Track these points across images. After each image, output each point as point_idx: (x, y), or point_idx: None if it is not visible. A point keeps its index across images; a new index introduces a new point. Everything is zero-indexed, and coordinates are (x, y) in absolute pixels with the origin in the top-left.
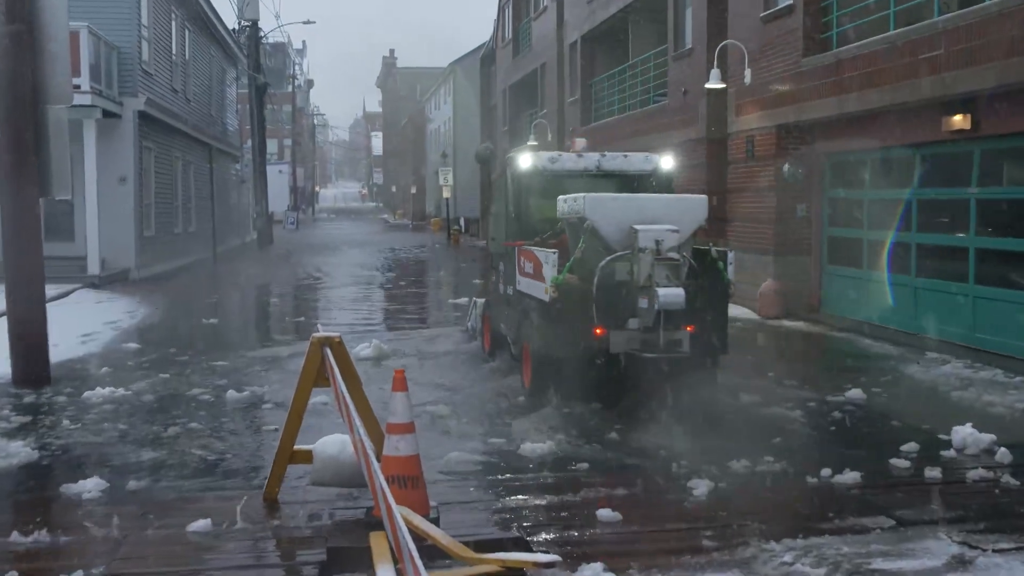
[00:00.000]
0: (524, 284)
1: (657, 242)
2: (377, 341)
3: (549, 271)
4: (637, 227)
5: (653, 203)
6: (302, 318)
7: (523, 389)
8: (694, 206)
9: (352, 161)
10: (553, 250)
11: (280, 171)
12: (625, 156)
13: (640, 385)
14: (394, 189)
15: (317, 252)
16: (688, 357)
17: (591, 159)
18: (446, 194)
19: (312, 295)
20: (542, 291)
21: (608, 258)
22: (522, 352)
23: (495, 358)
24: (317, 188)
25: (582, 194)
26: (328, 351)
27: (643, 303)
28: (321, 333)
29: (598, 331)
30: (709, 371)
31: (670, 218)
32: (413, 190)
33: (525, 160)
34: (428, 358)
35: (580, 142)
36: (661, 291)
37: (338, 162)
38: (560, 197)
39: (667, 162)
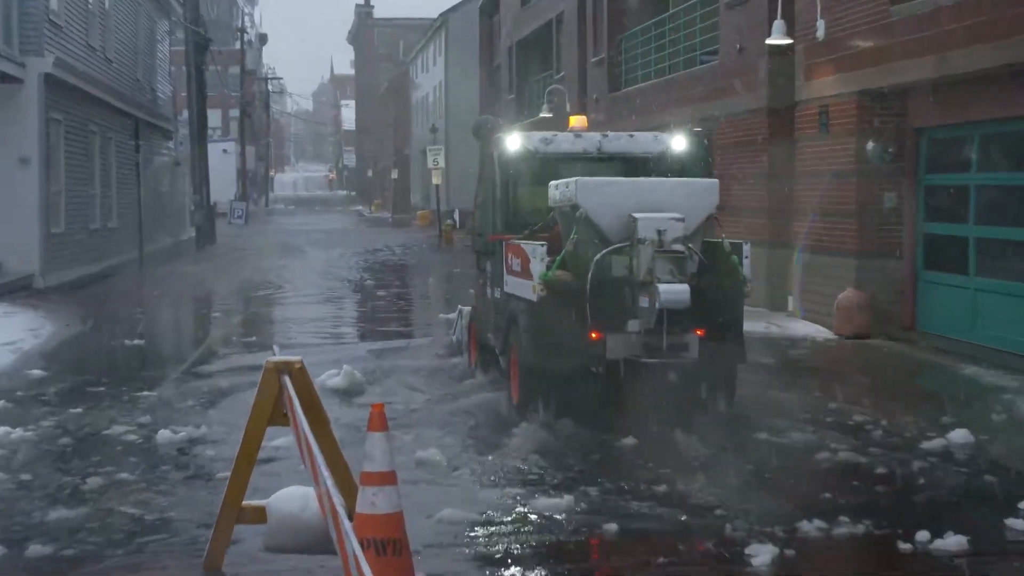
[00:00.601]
0: (511, 284)
1: (659, 232)
2: (349, 367)
3: (537, 266)
4: (636, 215)
5: (655, 188)
6: (253, 338)
7: (511, 406)
8: (703, 192)
9: (317, 138)
10: (541, 242)
11: (225, 150)
12: (631, 136)
13: (647, 400)
14: (370, 173)
15: (273, 254)
16: (697, 364)
17: (591, 140)
18: (436, 180)
19: (266, 309)
20: (530, 290)
21: (604, 251)
22: (509, 362)
23: (482, 372)
24: (272, 172)
25: (574, 178)
26: (287, 380)
27: (644, 301)
28: (278, 357)
29: (594, 335)
30: (726, 382)
31: (675, 205)
32: (394, 175)
33: (514, 142)
34: (411, 383)
35: (579, 120)
36: (663, 287)
37: (299, 139)
38: (552, 183)
39: (678, 143)
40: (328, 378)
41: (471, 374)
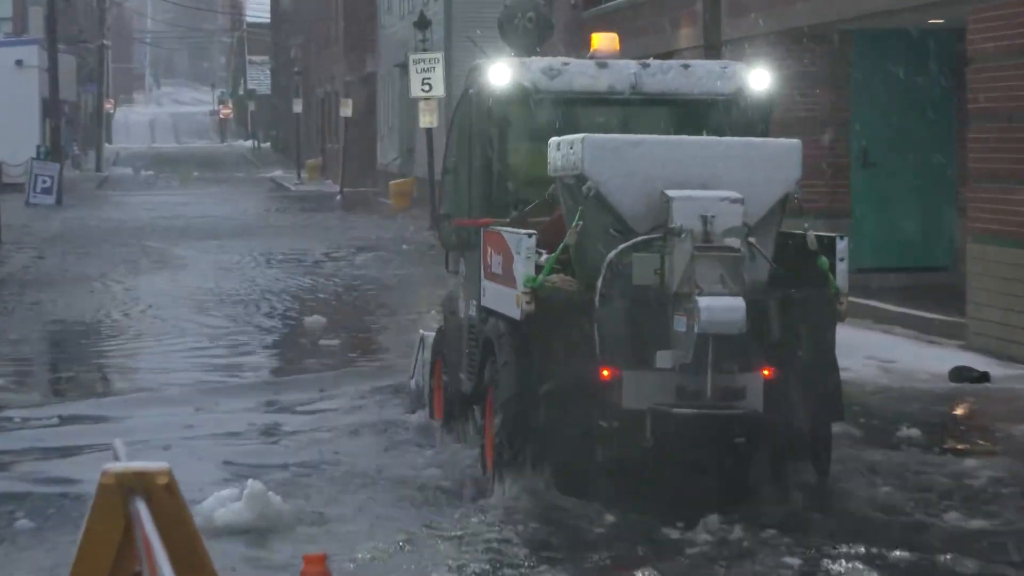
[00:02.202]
0: (490, 294)
1: (705, 219)
2: (257, 486)
3: (523, 267)
4: (672, 193)
5: (703, 151)
6: (74, 427)
7: (486, 482)
8: (778, 157)
9: (196, 48)
10: (529, 231)
11: (19, 62)
12: (685, 67)
13: (684, 474)
14: (299, 109)
15: (99, 273)
16: (760, 418)
17: (621, 72)
18: (427, 120)
19: (101, 364)
20: (512, 303)
21: (622, 246)
22: (484, 415)
23: (450, 432)
24: (110, 105)
25: (579, 136)
26: (141, 509)
27: (679, 323)
28: (124, 464)
29: (605, 372)
30: (810, 450)
31: (731, 178)
32: (346, 111)
33: (500, 73)
34: (349, 467)
35: (606, 39)
36: (706, 302)
37: (163, 43)
38: (552, 142)
39: (761, 78)
40: (220, 505)
41: (435, 438)
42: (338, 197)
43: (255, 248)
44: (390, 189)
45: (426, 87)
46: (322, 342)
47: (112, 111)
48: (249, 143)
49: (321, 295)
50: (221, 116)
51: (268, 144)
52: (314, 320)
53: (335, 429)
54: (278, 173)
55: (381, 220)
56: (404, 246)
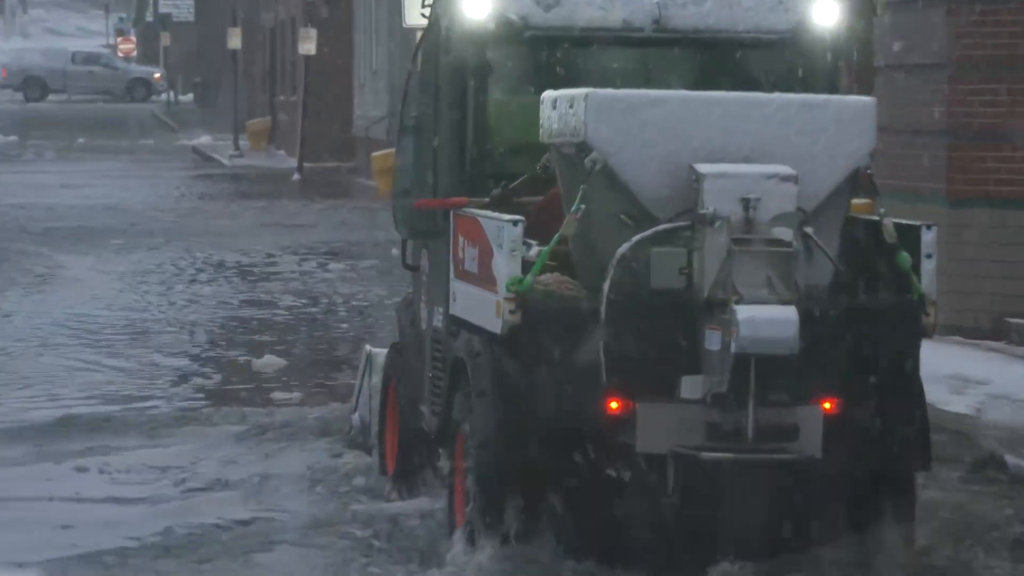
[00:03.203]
0: (462, 299)
1: (747, 203)
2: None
3: (505, 264)
4: (702, 169)
5: (746, 112)
6: None
7: (452, 542)
8: (845, 120)
9: None
10: (514, 217)
11: None
12: None
13: (723, 538)
14: (236, 46)
15: None
16: (819, 467)
17: (641, 1)
18: None
19: None
20: (491, 311)
21: (637, 237)
22: (452, 454)
23: (407, 489)
24: None
25: (582, 91)
26: None
27: (712, 340)
28: None
29: (613, 404)
30: (891, 505)
31: (783, 148)
32: (308, 47)
33: (478, 1)
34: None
35: None
36: (746, 313)
37: None
38: (546, 96)
39: (828, 10)
40: None
41: (384, 494)
42: (295, 176)
43: (175, 255)
44: (373, 164)
45: (429, 11)
46: (277, 395)
47: None
48: (163, 96)
49: (276, 324)
50: (120, 54)
51: (190, 97)
52: (267, 362)
53: (248, 481)
54: (205, 140)
55: (361, 211)
56: (395, 251)
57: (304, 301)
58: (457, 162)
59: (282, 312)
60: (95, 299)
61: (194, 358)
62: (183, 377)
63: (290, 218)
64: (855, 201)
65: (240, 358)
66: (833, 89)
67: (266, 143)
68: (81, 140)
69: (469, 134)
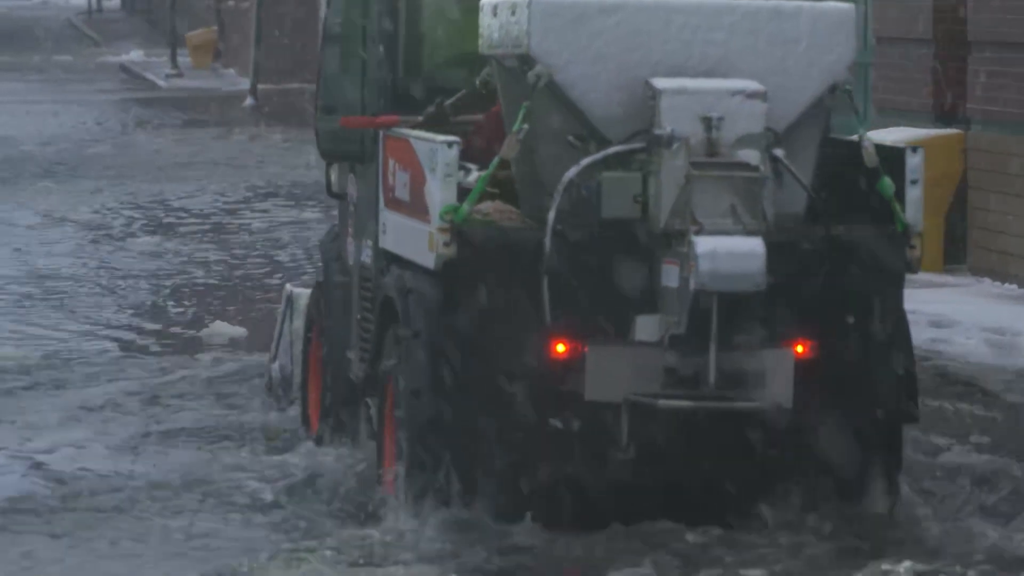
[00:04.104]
0: (392, 231)
1: (709, 122)
2: None
3: (439, 191)
4: (659, 84)
5: (709, 20)
6: None
7: (382, 505)
8: (821, 28)
9: None
10: (450, 138)
11: None
12: None
13: (679, 497)
14: None
15: None
16: (788, 418)
17: None
18: None
19: None
20: (424, 243)
21: (586, 160)
22: (382, 413)
23: (332, 443)
24: None
25: None
26: None
27: (669, 275)
28: None
29: (559, 347)
30: (871, 463)
31: (751, 61)
32: None
33: None
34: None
35: None
36: (707, 244)
37: None
38: (486, 2)
39: None
40: None
41: (310, 451)
42: (248, 101)
43: (103, 198)
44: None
45: None
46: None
47: None
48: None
49: (227, 283)
50: None
51: (117, 2)
52: (218, 329)
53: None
54: (136, 56)
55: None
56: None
57: (256, 255)
58: (387, 75)
59: (233, 266)
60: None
61: (131, 320)
62: (124, 347)
63: (243, 154)
64: (939, 132)
65: (186, 320)
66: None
67: (211, 60)
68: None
69: (400, 43)
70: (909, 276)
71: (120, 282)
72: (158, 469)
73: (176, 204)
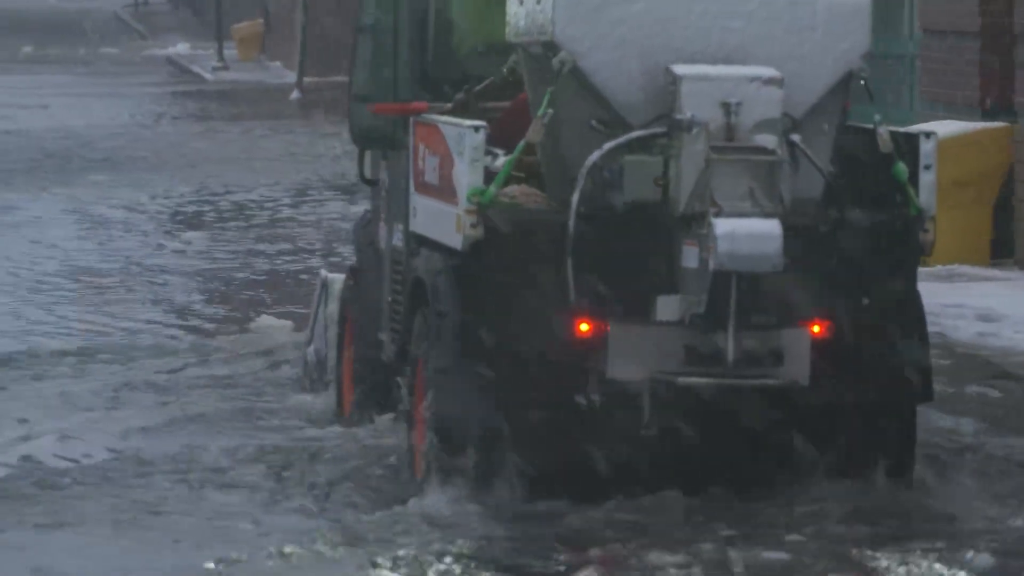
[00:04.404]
0: (422, 214)
1: (728, 108)
2: None
3: (467, 174)
4: (679, 70)
5: (728, 8)
6: None
7: (413, 482)
8: (835, 19)
9: None
10: (476, 123)
11: None
12: None
13: (699, 473)
14: None
15: None
16: (807, 395)
17: None
18: None
19: None
20: (451, 226)
21: (608, 145)
22: (413, 391)
23: (362, 420)
24: None
25: None
26: None
27: (689, 256)
28: None
29: (583, 326)
30: (885, 441)
31: (770, 48)
32: None
33: None
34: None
35: None
36: (725, 226)
37: None
38: None
39: None
40: None
41: (341, 434)
42: (295, 94)
43: (148, 190)
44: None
45: None
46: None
47: None
48: None
49: (276, 278)
50: None
51: None
52: (265, 323)
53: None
54: (182, 49)
55: None
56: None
57: (311, 248)
58: (417, 64)
59: (283, 262)
60: (46, 246)
61: (170, 324)
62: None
63: (290, 147)
64: (986, 125)
65: (236, 316)
66: None
67: (257, 52)
68: (27, 49)
69: (431, 32)
70: (956, 270)
71: (165, 276)
72: (191, 449)
73: (224, 197)
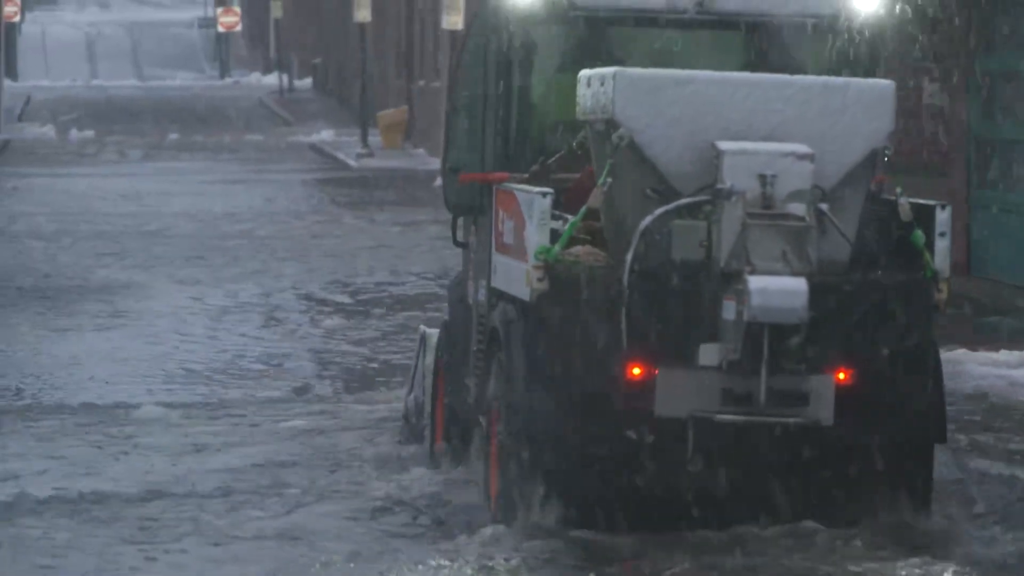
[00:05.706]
0: (501, 271)
1: (764, 179)
2: None
3: (535, 234)
4: (722, 146)
5: (768, 93)
6: None
7: (485, 508)
8: (864, 102)
9: None
10: (544, 190)
11: None
12: None
13: (737, 499)
14: (365, 18)
15: None
16: (830, 433)
17: None
18: None
19: None
20: (521, 280)
21: (659, 210)
22: (489, 427)
23: (455, 463)
24: (14, 8)
25: (611, 70)
26: None
27: (728, 309)
28: None
29: (635, 370)
30: (903, 477)
31: (804, 128)
32: (455, 20)
33: None
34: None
35: None
36: (758, 283)
37: None
38: (582, 75)
39: None
40: None
41: (431, 478)
42: (439, 181)
43: (292, 280)
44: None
45: None
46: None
47: (18, 19)
48: (273, 79)
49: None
50: (221, 28)
51: (308, 81)
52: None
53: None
54: (327, 136)
55: None
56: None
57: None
58: (500, 139)
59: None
60: (187, 334)
61: (331, 411)
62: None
63: (436, 236)
64: None
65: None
66: (872, 73)
67: (402, 139)
68: (173, 136)
69: (513, 111)
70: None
71: (294, 363)
72: (290, 482)
73: (365, 286)
